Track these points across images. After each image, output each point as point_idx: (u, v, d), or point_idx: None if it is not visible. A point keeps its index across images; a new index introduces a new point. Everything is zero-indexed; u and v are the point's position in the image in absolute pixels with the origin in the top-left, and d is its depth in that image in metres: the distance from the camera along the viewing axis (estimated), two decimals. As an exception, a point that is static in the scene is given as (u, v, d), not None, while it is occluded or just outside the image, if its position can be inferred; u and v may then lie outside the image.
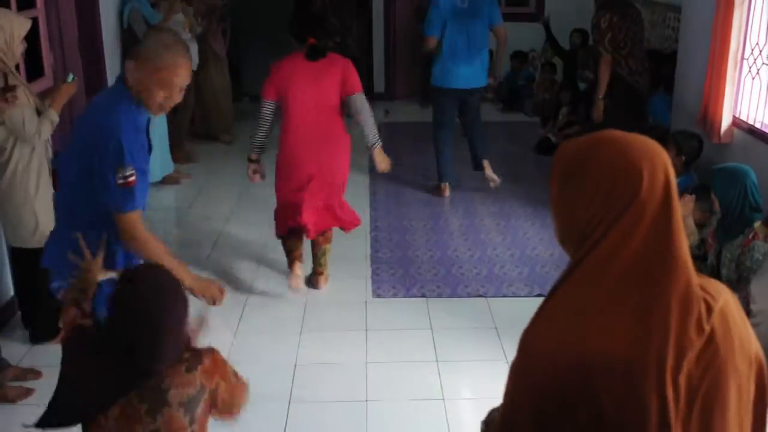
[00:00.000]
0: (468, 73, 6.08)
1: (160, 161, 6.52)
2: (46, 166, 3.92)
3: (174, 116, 6.84)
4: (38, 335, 4.08)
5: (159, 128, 6.46)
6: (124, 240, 2.68)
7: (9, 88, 3.59)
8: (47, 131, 3.80)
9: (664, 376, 1.26)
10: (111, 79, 5.92)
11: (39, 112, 3.78)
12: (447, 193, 6.34)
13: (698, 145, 4.99)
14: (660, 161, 1.31)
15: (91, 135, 2.61)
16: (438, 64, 6.10)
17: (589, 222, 1.32)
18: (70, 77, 4.00)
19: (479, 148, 6.37)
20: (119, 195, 2.59)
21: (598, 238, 1.30)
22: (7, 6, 4.44)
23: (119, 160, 2.55)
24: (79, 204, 2.69)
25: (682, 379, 1.28)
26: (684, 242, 1.31)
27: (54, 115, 3.85)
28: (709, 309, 1.31)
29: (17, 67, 3.88)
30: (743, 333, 1.36)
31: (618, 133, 1.35)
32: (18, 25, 3.67)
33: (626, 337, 1.27)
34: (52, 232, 2.90)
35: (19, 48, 3.70)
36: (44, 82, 4.84)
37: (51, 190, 3.96)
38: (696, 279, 1.31)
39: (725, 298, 1.35)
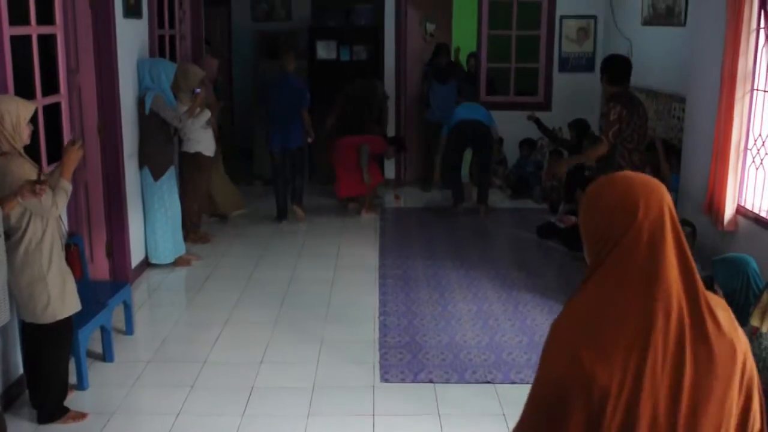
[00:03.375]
0: None
1: (173, 243, 6.60)
2: (59, 242, 3.97)
3: (185, 198, 6.96)
4: (45, 415, 4.07)
5: (172, 211, 6.56)
6: (304, 117, 7.91)
7: (40, 182, 3.66)
8: (63, 201, 3.87)
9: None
10: (128, 161, 6.07)
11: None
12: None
13: (691, 231, 5.10)
14: (656, 194, 1.64)
15: (297, 89, 7.86)
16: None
17: (599, 240, 1.66)
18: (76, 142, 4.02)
19: None
20: (308, 99, 7.90)
21: (609, 251, 1.63)
22: (32, 93, 4.60)
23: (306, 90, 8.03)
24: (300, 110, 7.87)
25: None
26: (680, 255, 1.60)
27: (66, 184, 3.91)
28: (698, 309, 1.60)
29: (33, 148, 3.99)
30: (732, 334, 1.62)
31: (625, 173, 1.72)
32: (23, 108, 3.77)
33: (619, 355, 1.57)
34: (285, 131, 7.89)
35: (26, 131, 3.80)
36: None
37: (64, 266, 4.01)
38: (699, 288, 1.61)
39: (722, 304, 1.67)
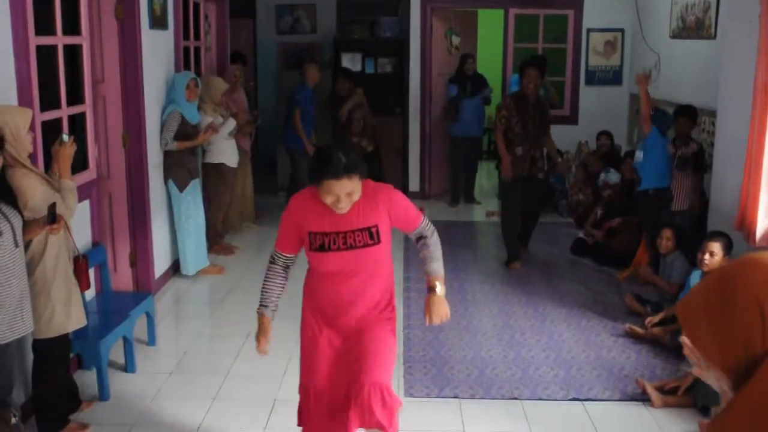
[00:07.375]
0: None
1: (197, 255, 6.58)
2: (66, 253, 3.83)
3: (209, 209, 6.96)
4: (44, 428, 3.93)
5: (197, 222, 6.54)
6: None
7: (56, 219, 3.55)
8: (73, 200, 3.78)
9: None
10: (152, 171, 6.05)
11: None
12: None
13: (728, 243, 4.98)
14: None
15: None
16: None
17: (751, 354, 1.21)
18: (65, 137, 3.88)
19: None
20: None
21: None
22: (57, 104, 4.59)
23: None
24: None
25: None
26: None
27: (69, 183, 3.81)
28: None
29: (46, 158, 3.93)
30: None
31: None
32: (20, 116, 3.61)
33: None
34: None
35: (27, 139, 3.64)
36: (88, 174, 4.95)
37: (70, 279, 3.86)
38: None
39: None
